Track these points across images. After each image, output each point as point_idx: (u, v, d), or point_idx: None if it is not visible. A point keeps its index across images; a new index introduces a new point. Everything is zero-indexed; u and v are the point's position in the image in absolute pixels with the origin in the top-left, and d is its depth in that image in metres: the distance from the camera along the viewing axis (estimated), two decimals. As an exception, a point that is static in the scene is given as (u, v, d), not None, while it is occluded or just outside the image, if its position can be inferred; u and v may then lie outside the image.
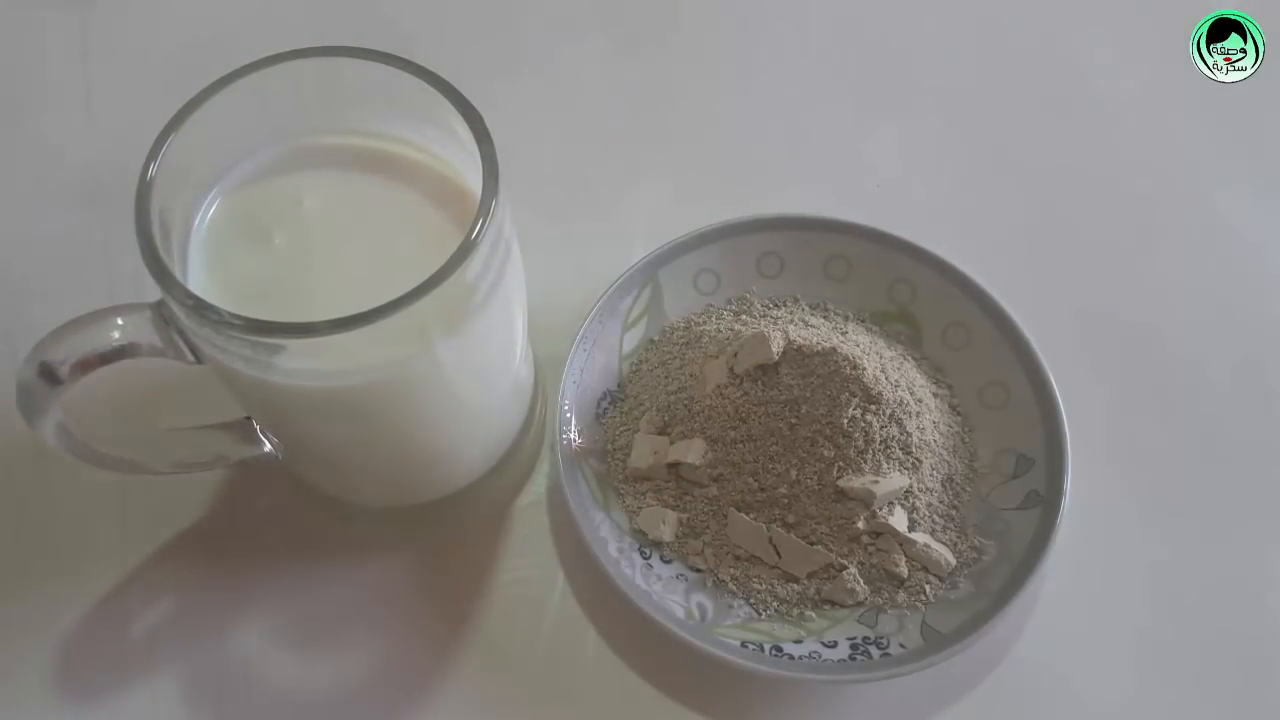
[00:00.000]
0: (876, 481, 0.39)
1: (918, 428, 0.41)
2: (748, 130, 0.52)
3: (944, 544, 0.40)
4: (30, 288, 0.47)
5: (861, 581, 0.39)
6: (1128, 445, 0.45)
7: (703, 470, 0.41)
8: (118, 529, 0.42)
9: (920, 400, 0.42)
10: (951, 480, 0.42)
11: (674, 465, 0.42)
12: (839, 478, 0.39)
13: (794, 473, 0.40)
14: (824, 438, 0.40)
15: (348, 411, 0.34)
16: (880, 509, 0.39)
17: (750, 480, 0.40)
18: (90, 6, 0.56)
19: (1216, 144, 0.53)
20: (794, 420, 0.40)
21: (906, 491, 0.40)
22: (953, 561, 0.40)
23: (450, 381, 0.34)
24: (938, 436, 0.42)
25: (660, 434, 0.42)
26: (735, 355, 0.41)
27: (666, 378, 0.43)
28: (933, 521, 0.41)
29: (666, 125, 0.53)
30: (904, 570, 0.40)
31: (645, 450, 0.42)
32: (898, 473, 0.40)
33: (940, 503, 0.41)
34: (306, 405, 0.33)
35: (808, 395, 0.40)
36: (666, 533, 0.41)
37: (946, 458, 0.42)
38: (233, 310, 0.29)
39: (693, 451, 0.41)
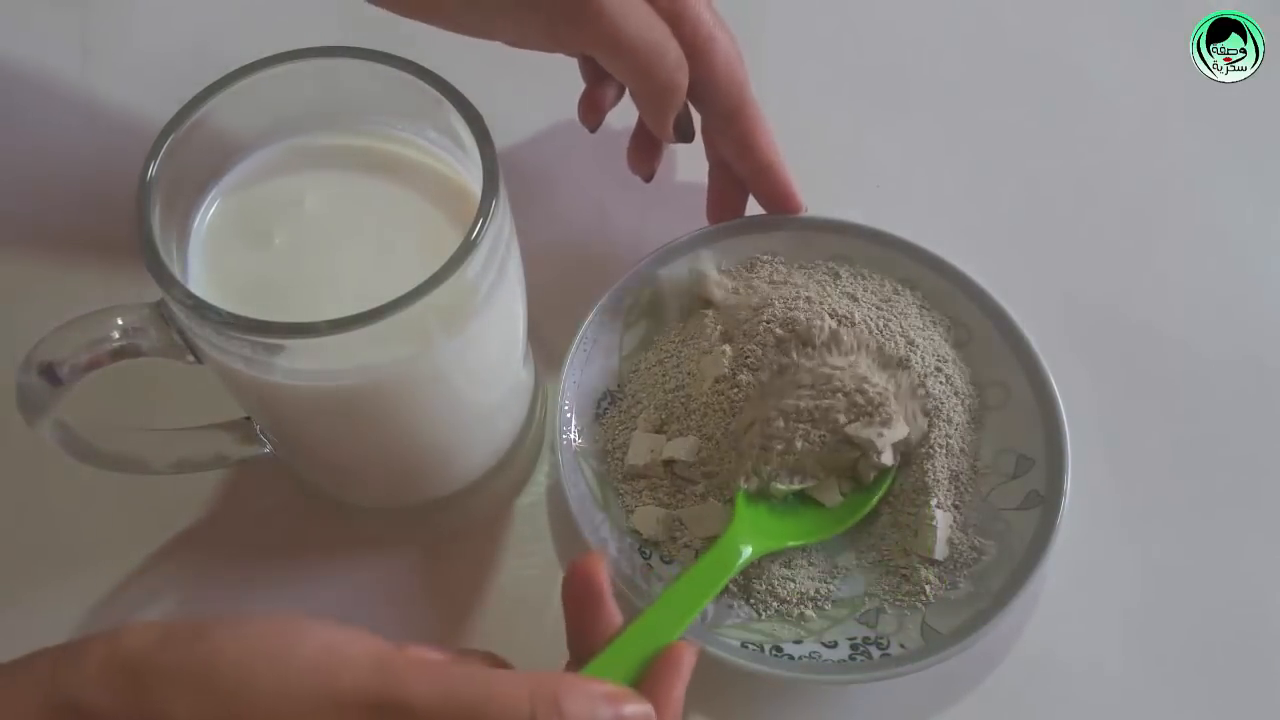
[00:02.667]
0: (881, 435, 0.40)
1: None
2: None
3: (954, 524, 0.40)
4: (30, 288, 0.47)
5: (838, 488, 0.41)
6: (1128, 445, 0.45)
7: (695, 468, 0.41)
8: (118, 529, 0.42)
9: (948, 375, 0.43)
10: (957, 478, 0.42)
11: (669, 463, 0.42)
12: (847, 425, 0.40)
13: (799, 442, 0.40)
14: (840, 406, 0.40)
15: (348, 411, 0.34)
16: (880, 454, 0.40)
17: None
18: (90, 6, 0.56)
19: (1216, 144, 0.53)
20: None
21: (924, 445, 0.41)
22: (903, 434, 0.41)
23: (450, 381, 0.35)
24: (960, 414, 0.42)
25: (657, 432, 0.42)
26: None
27: (664, 376, 0.43)
28: (955, 492, 0.41)
29: (666, 125, 0.53)
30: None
31: (642, 448, 0.42)
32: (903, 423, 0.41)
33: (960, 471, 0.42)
34: (306, 405, 0.33)
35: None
36: (660, 531, 0.40)
37: (958, 446, 0.42)
38: (233, 310, 0.29)
39: (685, 448, 0.41)
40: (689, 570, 0.36)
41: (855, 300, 0.44)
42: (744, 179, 0.45)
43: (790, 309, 0.42)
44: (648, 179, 0.47)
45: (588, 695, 0.27)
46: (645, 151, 0.47)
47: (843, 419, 0.40)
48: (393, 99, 0.34)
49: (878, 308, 0.43)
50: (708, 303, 0.45)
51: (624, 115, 0.46)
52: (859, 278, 0.45)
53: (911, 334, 0.42)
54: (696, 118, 0.44)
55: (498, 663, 0.31)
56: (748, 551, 0.38)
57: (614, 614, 0.31)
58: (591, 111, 0.46)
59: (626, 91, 0.45)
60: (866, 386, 0.40)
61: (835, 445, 0.40)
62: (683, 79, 0.40)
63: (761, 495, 0.40)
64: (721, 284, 0.44)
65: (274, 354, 0.30)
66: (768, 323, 0.42)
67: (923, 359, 0.42)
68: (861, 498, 0.41)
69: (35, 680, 0.25)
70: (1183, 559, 0.43)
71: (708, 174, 0.46)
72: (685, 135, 0.43)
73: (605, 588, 0.31)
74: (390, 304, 0.29)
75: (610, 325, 0.44)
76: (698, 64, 0.41)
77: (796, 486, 0.40)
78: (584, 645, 0.31)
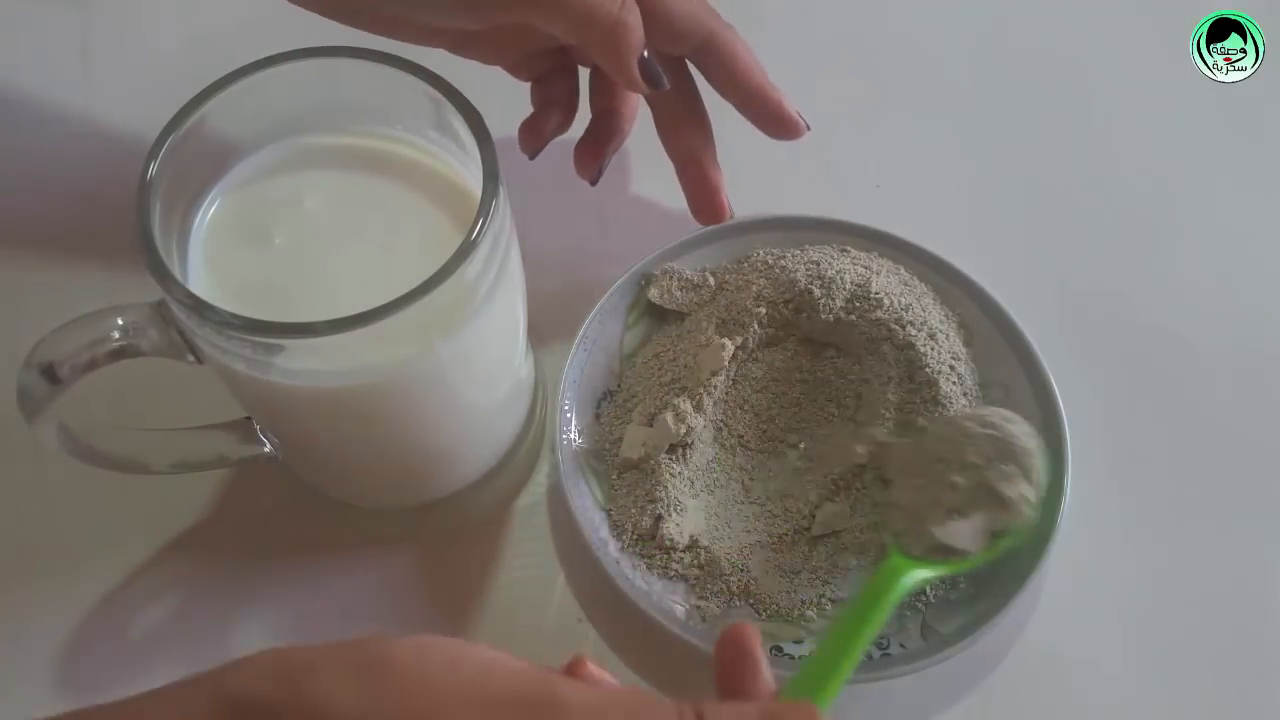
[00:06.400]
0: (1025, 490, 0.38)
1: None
2: (748, 130, 0.52)
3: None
4: (30, 288, 0.47)
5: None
6: (1127, 445, 0.45)
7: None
8: (118, 529, 0.42)
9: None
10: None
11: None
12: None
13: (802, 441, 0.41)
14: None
15: (348, 411, 0.34)
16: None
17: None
18: (90, 6, 0.56)
19: (1216, 144, 0.53)
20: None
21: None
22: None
23: (450, 382, 0.35)
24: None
25: (651, 425, 0.42)
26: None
27: (659, 370, 0.43)
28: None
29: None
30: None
31: (635, 441, 0.42)
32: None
33: None
34: (306, 405, 0.33)
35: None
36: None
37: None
38: (233, 310, 0.29)
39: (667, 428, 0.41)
40: (850, 606, 0.35)
41: (873, 272, 0.44)
42: (739, 110, 0.43)
43: (788, 275, 0.43)
44: (593, 181, 0.46)
45: (735, 712, 0.27)
46: (590, 153, 0.45)
47: (989, 473, 0.38)
48: (393, 99, 0.34)
49: (902, 285, 0.44)
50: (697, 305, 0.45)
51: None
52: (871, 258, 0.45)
53: (933, 323, 0.43)
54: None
55: None
56: (912, 576, 0.36)
57: (768, 680, 0.30)
58: (532, 136, 0.45)
59: (569, 118, 0.45)
60: (1013, 434, 0.38)
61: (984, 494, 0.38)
62: (630, 16, 0.37)
63: (933, 555, 0.38)
64: (667, 290, 0.44)
65: (273, 354, 0.30)
66: (755, 297, 0.42)
67: (939, 356, 0.42)
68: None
69: (202, 682, 0.25)
70: (1182, 558, 0.43)
71: (677, 177, 0.46)
72: (656, 80, 0.40)
73: (759, 653, 0.30)
74: (390, 304, 0.29)
75: (610, 325, 0.44)
76: (646, 5, 0.38)
77: (964, 546, 0.38)
78: None
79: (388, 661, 0.25)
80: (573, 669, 0.29)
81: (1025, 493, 0.37)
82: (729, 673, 0.30)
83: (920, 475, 0.39)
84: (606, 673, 0.29)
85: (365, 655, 0.25)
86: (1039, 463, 0.38)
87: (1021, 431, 0.38)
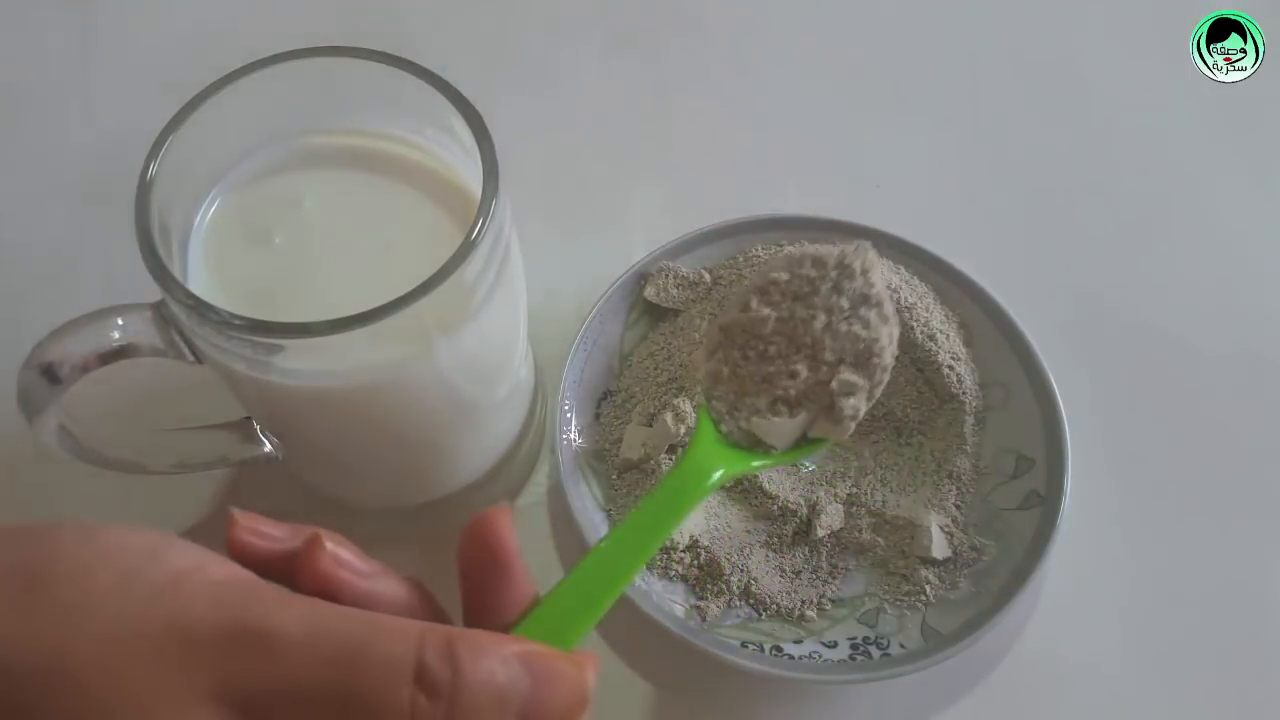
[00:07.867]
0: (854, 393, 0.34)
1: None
2: (747, 130, 0.52)
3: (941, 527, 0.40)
4: (30, 288, 0.47)
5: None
6: (1127, 445, 0.45)
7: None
8: (118, 529, 0.42)
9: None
10: (958, 478, 0.42)
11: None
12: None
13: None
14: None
15: (347, 411, 0.34)
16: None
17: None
18: (90, 6, 0.56)
19: (1216, 144, 0.53)
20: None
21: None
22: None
23: (450, 382, 0.34)
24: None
25: (650, 425, 0.42)
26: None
27: (655, 369, 0.43)
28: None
29: (666, 125, 0.53)
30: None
31: (635, 441, 0.42)
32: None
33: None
34: (306, 405, 0.33)
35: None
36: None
37: (954, 453, 0.42)
38: (233, 310, 0.29)
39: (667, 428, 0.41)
40: (646, 498, 0.30)
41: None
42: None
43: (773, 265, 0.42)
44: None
45: (497, 654, 0.21)
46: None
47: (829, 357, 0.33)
48: (393, 99, 0.34)
49: (906, 282, 0.44)
50: (691, 303, 0.45)
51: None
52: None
53: (933, 323, 0.43)
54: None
55: (424, 595, 0.25)
56: (718, 474, 0.32)
57: (524, 583, 0.25)
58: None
59: None
60: (881, 344, 0.33)
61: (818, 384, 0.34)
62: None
63: (738, 439, 0.34)
64: (663, 289, 0.44)
65: (273, 354, 0.30)
66: (745, 289, 0.42)
67: (939, 356, 0.42)
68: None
69: None
70: (1182, 558, 0.43)
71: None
72: None
73: (513, 550, 0.24)
74: (390, 304, 0.29)
75: (610, 325, 0.44)
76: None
77: (785, 423, 0.33)
78: (488, 623, 0.25)
79: (48, 572, 0.21)
80: (309, 552, 0.23)
81: (859, 409, 0.33)
82: (475, 578, 0.24)
83: (765, 350, 0.33)
84: (350, 553, 0.24)
85: (27, 558, 0.21)
86: (886, 379, 0.33)
87: (888, 337, 0.33)
